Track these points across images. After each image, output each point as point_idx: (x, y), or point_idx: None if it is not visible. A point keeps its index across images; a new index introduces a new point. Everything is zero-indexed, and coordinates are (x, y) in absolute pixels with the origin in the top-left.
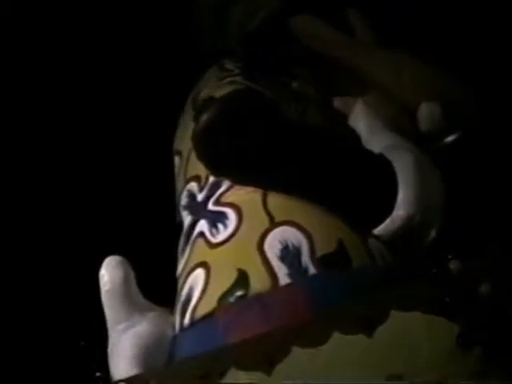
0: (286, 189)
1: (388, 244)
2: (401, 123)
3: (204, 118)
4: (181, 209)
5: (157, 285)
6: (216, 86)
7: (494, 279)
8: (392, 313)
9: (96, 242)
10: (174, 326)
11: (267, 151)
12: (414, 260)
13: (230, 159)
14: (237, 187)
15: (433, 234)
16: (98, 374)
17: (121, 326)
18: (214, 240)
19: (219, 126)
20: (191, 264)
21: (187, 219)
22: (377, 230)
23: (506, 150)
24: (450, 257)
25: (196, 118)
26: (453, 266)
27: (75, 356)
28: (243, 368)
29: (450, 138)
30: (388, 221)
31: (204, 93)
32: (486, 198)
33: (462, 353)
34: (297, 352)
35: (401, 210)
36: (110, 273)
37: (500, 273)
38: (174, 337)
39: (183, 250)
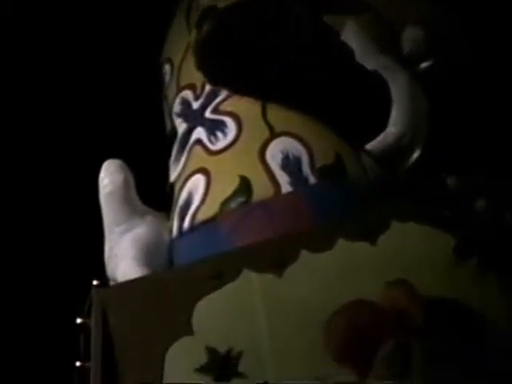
0: (285, 100)
1: (378, 159)
2: (386, 45)
3: (206, 28)
4: (174, 116)
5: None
6: None
7: (490, 194)
8: (393, 223)
9: (85, 151)
10: (171, 231)
11: (266, 62)
12: (404, 175)
13: (230, 69)
14: (235, 97)
15: (418, 153)
16: (95, 281)
17: (120, 228)
18: (213, 147)
19: (221, 37)
20: (189, 170)
21: (181, 127)
22: (369, 145)
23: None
24: (445, 174)
25: (198, 28)
26: (450, 181)
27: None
28: (256, 269)
29: (429, 62)
30: (381, 137)
31: (204, 2)
32: (463, 121)
33: (458, 263)
34: (305, 256)
35: (394, 127)
36: (110, 176)
37: (495, 189)
38: (172, 241)
39: (178, 157)
